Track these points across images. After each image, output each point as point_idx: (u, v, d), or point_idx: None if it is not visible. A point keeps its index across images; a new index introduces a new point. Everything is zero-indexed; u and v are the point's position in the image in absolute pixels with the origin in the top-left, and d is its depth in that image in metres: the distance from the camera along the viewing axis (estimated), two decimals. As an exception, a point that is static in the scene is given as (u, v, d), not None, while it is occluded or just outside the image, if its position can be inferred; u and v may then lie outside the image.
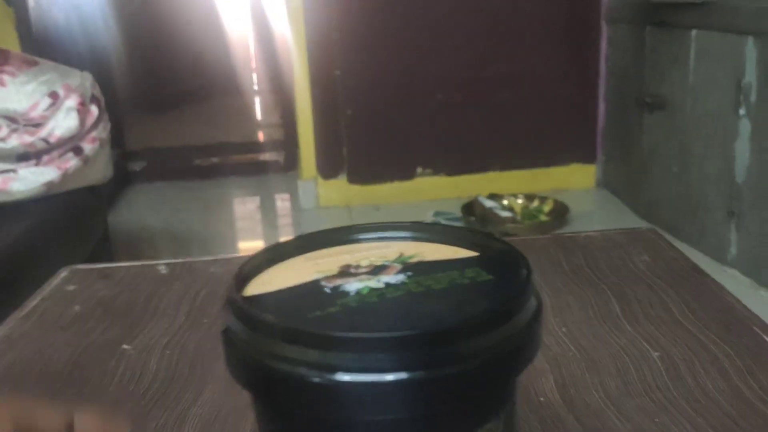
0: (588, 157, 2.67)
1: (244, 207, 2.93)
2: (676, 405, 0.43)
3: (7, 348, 0.56)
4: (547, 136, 2.62)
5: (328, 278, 0.28)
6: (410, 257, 0.30)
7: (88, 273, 0.72)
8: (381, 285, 0.27)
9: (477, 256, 0.31)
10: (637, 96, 2.25)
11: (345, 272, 0.29)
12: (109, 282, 0.70)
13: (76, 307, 0.63)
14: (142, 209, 2.79)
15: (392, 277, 0.28)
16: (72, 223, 1.48)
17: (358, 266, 0.29)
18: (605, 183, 2.66)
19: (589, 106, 2.60)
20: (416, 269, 0.29)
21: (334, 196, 2.62)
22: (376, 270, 0.29)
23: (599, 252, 0.66)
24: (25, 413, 0.26)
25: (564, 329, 0.53)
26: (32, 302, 0.66)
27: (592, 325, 0.53)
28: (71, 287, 0.69)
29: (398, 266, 0.29)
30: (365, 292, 0.27)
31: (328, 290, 0.27)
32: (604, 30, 2.51)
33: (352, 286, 0.28)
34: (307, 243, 0.32)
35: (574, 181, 2.67)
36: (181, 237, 2.41)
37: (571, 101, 2.58)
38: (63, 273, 0.72)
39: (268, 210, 2.85)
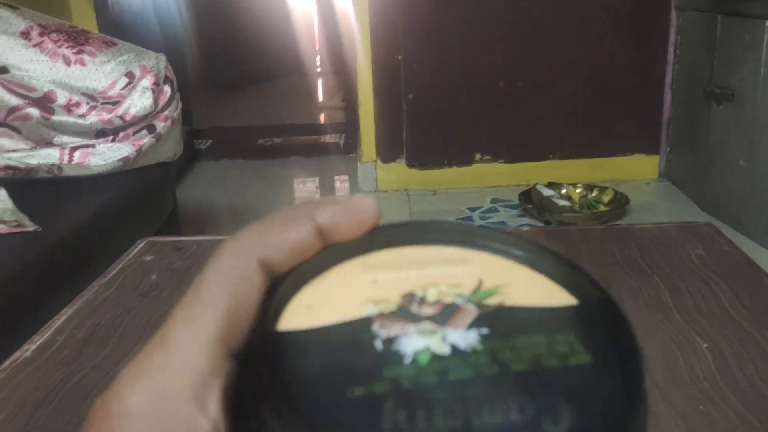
0: (651, 148, 2.62)
1: (305, 187, 3.00)
2: (722, 395, 0.45)
3: (91, 311, 0.61)
4: (610, 125, 2.57)
5: (383, 317, 0.23)
6: (490, 293, 0.25)
7: (162, 245, 0.78)
8: (446, 350, 0.22)
9: (571, 311, 0.24)
10: (705, 86, 2.19)
11: (405, 310, 0.24)
12: (182, 254, 0.75)
13: (153, 276, 0.68)
14: (207, 186, 2.89)
15: (462, 336, 0.23)
16: (145, 197, 1.56)
17: (422, 300, 0.24)
18: (668, 175, 2.60)
19: (655, 95, 2.54)
20: (494, 324, 0.23)
21: (392, 180, 2.65)
22: (445, 314, 0.24)
23: (653, 244, 0.67)
24: (266, 240, 0.25)
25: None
26: (113, 270, 0.71)
27: (642, 315, 0.54)
28: (148, 258, 0.74)
29: (473, 311, 0.24)
30: (424, 362, 0.22)
31: (379, 345, 0.22)
32: (674, 18, 2.44)
33: (410, 343, 0.23)
34: (372, 239, 0.27)
35: (636, 171, 2.62)
36: (243, 213, 2.49)
37: (636, 90, 2.53)
38: (140, 244, 0.78)
39: (327, 191, 2.91)
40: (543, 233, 0.84)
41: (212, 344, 0.23)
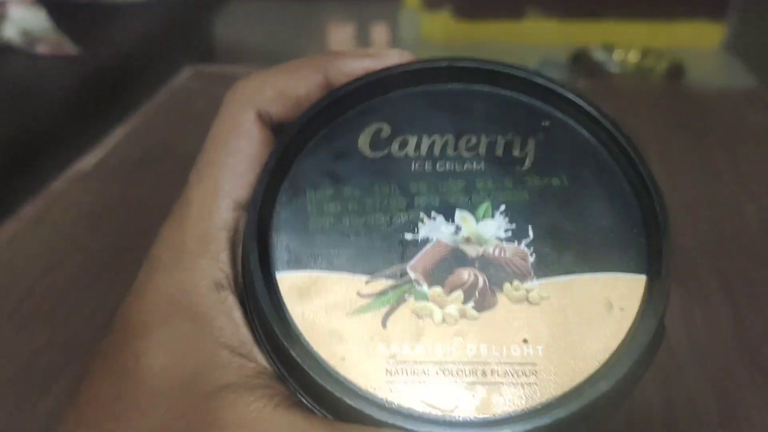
0: (717, 12, 2.45)
1: (342, 32, 2.91)
2: (763, 254, 0.45)
3: (144, 134, 0.62)
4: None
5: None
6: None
7: (208, 73, 0.77)
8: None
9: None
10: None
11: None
12: (227, 81, 0.75)
13: (200, 104, 0.69)
14: (242, 24, 2.82)
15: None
16: (185, 27, 1.54)
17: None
18: (733, 45, 2.46)
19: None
20: None
21: (437, 30, 2.55)
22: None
23: (712, 108, 0.65)
24: (264, 92, 0.24)
25: (664, 173, 0.54)
26: (161, 97, 0.71)
27: (691, 172, 0.54)
28: (193, 85, 0.74)
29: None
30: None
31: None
32: None
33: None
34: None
35: (697, 39, 2.48)
36: (277, 54, 2.45)
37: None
38: (185, 72, 0.78)
39: (364, 38, 2.82)
40: (592, 89, 0.82)
41: (219, 201, 0.23)
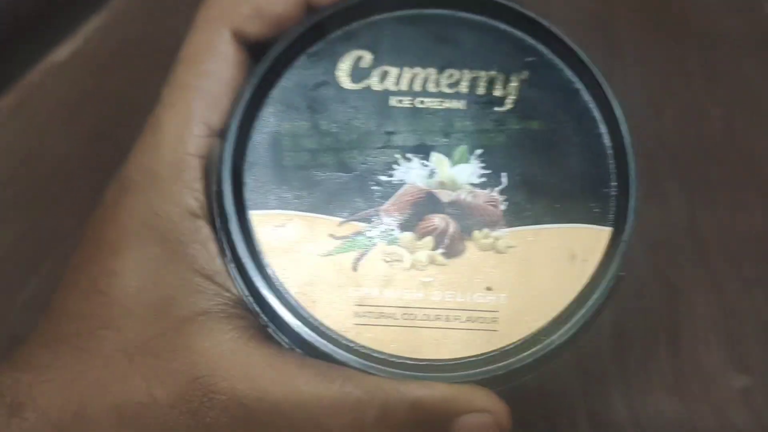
0: None
1: None
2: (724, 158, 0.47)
3: (120, 25, 0.60)
4: None
5: None
6: None
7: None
8: None
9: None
10: None
11: None
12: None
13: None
14: None
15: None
16: None
17: None
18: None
19: None
20: None
21: None
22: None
23: (690, 9, 0.64)
24: (239, 10, 0.23)
25: (638, 76, 0.53)
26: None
27: (663, 74, 0.53)
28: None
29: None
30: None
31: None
32: None
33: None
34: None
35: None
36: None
37: None
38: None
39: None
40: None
41: (192, 126, 0.22)
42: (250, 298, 0.23)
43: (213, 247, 0.22)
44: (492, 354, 0.22)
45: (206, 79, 0.23)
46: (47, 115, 0.50)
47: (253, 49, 0.24)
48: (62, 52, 0.54)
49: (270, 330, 0.23)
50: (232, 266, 0.23)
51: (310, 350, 0.22)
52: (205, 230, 0.22)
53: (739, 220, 0.44)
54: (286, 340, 0.22)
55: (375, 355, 0.22)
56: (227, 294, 0.22)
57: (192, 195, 0.22)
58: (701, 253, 0.43)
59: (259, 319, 0.23)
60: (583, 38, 0.25)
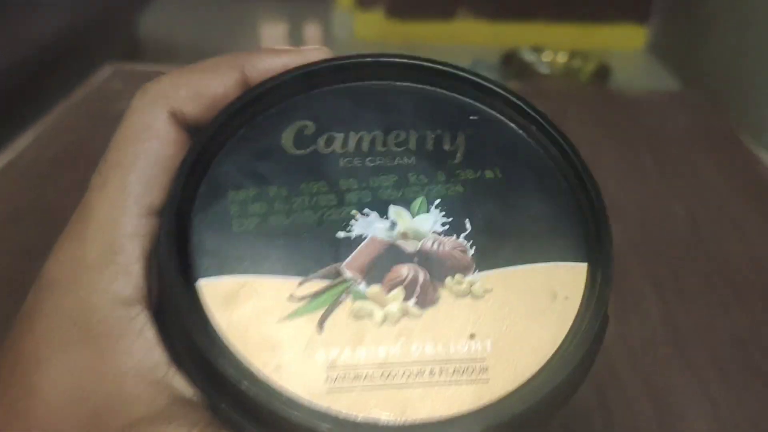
0: (641, 16, 2.54)
1: (274, 31, 2.87)
2: (690, 251, 0.46)
3: (57, 135, 0.58)
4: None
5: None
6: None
7: (129, 72, 0.74)
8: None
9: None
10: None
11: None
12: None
13: (120, 104, 0.65)
14: (170, 22, 2.74)
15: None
16: (108, 22, 1.47)
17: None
18: (656, 48, 2.55)
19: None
20: None
21: (370, 29, 2.54)
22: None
23: (638, 110, 0.66)
24: (178, 92, 0.22)
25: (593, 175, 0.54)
26: (78, 96, 0.67)
27: (619, 173, 0.54)
28: (114, 85, 0.71)
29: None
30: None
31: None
32: None
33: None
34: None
35: (622, 41, 2.56)
36: (207, 54, 2.38)
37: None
38: (105, 70, 0.74)
39: (297, 37, 2.79)
40: (523, 89, 0.83)
41: (127, 206, 0.21)
42: (203, 382, 0.20)
43: (151, 334, 0.20)
44: (486, 406, 0.20)
45: (142, 158, 0.22)
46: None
47: (193, 130, 0.23)
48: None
49: (229, 414, 0.19)
50: (178, 348, 0.20)
51: (278, 427, 0.19)
52: (141, 317, 0.20)
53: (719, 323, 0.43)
54: (249, 423, 0.19)
55: (355, 421, 0.19)
56: (165, 393, 0.20)
57: (127, 280, 0.20)
58: (681, 353, 0.41)
59: (215, 403, 0.20)
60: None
